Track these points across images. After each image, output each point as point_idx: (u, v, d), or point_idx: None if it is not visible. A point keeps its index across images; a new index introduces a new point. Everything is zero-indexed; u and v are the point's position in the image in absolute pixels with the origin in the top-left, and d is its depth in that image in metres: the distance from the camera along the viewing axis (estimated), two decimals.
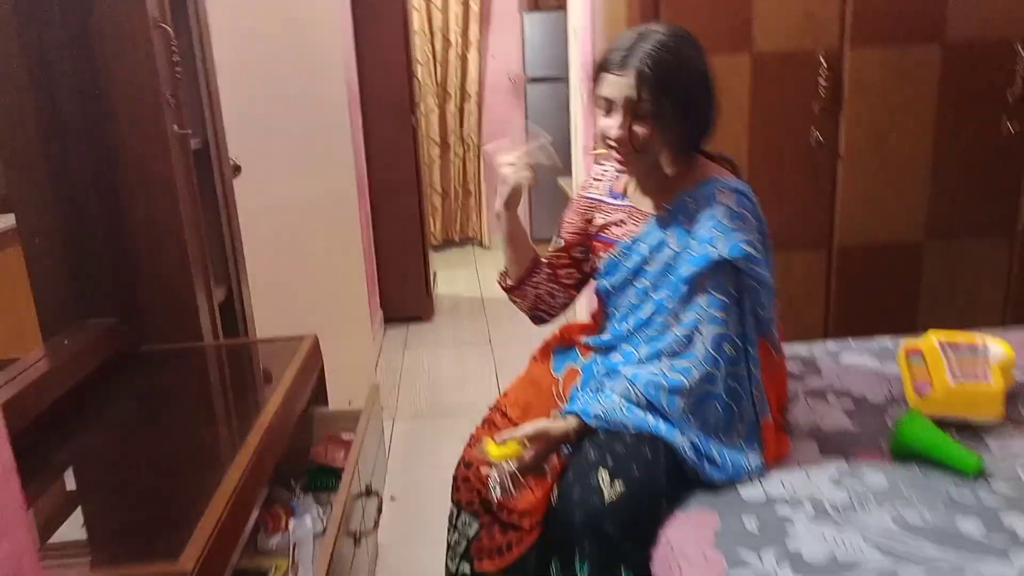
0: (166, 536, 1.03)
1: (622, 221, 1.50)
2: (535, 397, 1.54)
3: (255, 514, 1.23)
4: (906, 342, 1.75)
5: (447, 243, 5.77)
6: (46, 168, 1.53)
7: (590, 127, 3.18)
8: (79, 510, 1.18)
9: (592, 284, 1.62)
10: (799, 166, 2.33)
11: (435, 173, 5.54)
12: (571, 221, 1.61)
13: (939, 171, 2.34)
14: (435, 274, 4.57)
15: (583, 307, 3.21)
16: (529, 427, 1.33)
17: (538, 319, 1.66)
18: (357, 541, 1.37)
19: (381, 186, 3.94)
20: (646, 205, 1.48)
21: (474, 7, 5.28)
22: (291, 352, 1.64)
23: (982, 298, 2.47)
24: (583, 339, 1.60)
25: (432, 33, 5.31)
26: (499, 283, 1.64)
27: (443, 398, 3.26)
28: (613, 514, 1.24)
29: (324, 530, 1.42)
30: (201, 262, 1.70)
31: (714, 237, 1.34)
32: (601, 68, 1.37)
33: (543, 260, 1.62)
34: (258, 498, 1.23)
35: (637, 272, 1.47)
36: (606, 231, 1.53)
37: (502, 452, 1.29)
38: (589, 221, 1.57)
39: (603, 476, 1.27)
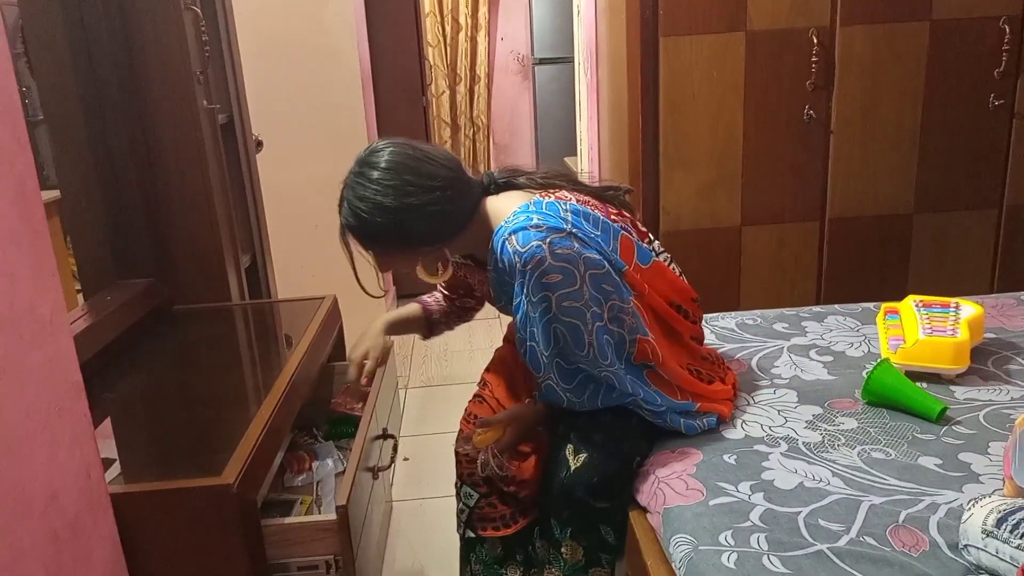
0: (209, 457, 1.18)
1: (480, 280, 1.55)
2: (514, 371, 1.63)
3: (284, 448, 1.37)
4: (885, 304, 1.87)
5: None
6: (87, 138, 1.66)
7: (594, 106, 3.29)
8: (130, 440, 1.33)
9: None
10: (792, 141, 2.43)
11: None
12: (452, 281, 1.67)
13: (927, 146, 2.44)
14: None
15: None
16: (504, 414, 1.47)
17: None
18: (375, 475, 1.51)
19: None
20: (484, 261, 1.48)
21: None
22: (312, 310, 1.78)
23: (969, 269, 2.58)
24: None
25: (442, 15, 5.42)
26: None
27: (452, 369, 3.41)
28: (579, 480, 1.37)
29: (344, 470, 1.56)
30: (229, 228, 1.84)
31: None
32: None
33: (435, 299, 1.72)
34: (286, 432, 1.37)
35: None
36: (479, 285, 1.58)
37: (484, 439, 1.43)
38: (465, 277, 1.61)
39: (568, 448, 1.40)
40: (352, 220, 1.36)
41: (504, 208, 1.37)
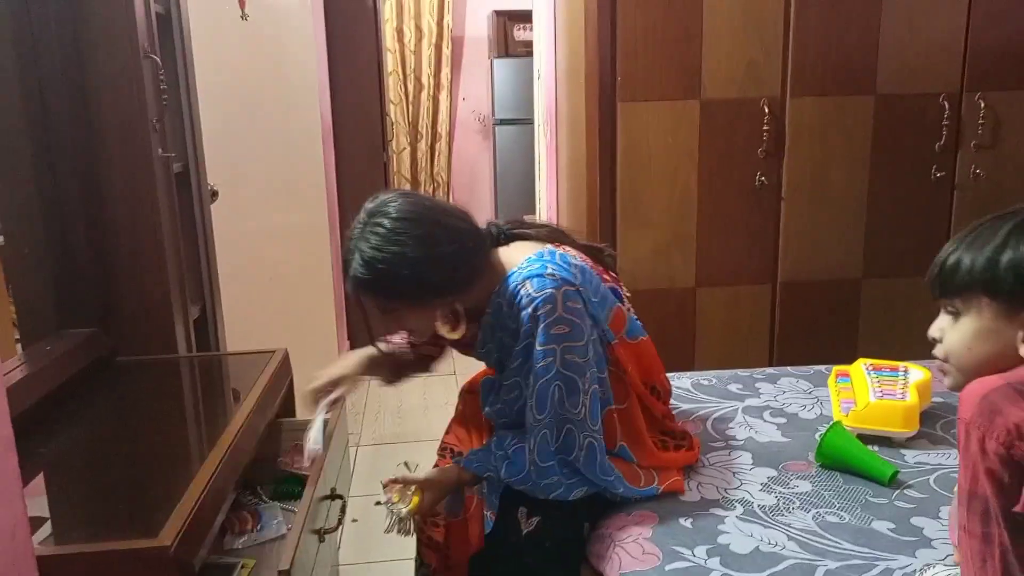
0: (146, 518, 1.12)
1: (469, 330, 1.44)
2: (477, 428, 1.60)
3: (226, 508, 1.31)
4: (836, 367, 1.90)
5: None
6: (34, 182, 1.62)
7: (552, 166, 3.34)
8: (63, 499, 1.26)
9: None
10: (746, 206, 2.49)
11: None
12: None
13: (874, 213, 2.52)
14: None
15: None
16: (422, 475, 1.40)
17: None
18: (321, 538, 1.46)
19: (353, 220, 4.04)
20: (470, 335, 1.45)
21: (446, 51, 5.48)
22: (262, 364, 1.73)
23: (917, 333, 2.58)
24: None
25: (405, 75, 5.49)
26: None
27: (406, 426, 3.34)
28: (531, 544, 1.34)
29: (288, 532, 1.49)
30: (179, 278, 1.79)
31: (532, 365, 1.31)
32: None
33: (396, 346, 1.63)
34: (229, 491, 1.31)
35: (500, 366, 1.46)
36: (456, 344, 1.50)
37: (399, 496, 1.37)
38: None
39: (521, 511, 1.37)
40: (366, 273, 1.27)
41: (515, 256, 1.37)
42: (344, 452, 1.84)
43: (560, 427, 1.32)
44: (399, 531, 1.36)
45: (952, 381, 1.06)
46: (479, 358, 1.50)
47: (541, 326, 1.27)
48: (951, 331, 1.04)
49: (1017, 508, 0.83)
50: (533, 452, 1.33)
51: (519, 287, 1.30)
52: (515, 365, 1.35)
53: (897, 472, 1.48)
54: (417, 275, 1.28)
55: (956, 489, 0.92)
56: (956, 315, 1.03)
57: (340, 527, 1.58)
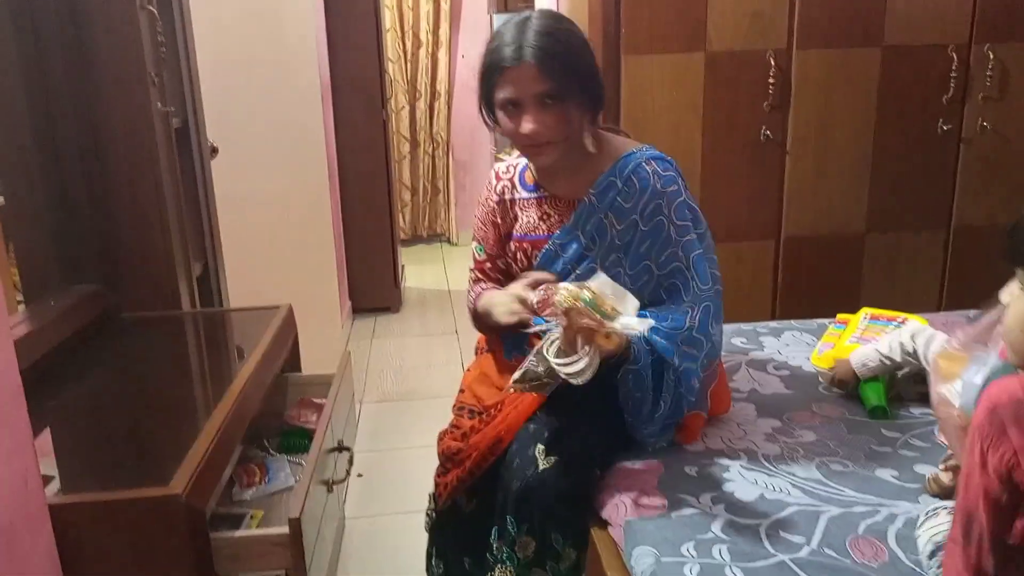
0: (156, 468, 1.12)
1: (547, 214, 1.46)
2: (495, 385, 1.55)
3: (234, 460, 1.32)
4: (840, 316, 1.90)
5: (415, 239, 5.86)
6: (33, 138, 1.60)
7: None
8: (72, 450, 1.26)
9: None
10: (749, 160, 2.47)
11: (404, 169, 5.64)
12: (488, 231, 1.54)
13: (879, 168, 2.50)
14: (403, 267, 4.66)
15: None
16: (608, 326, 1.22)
17: None
18: (330, 488, 1.47)
19: (352, 178, 4.03)
20: (566, 191, 1.44)
21: (444, 6, 5.39)
22: (267, 320, 1.73)
23: (919, 288, 2.64)
24: (532, 326, 1.38)
25: (403, 31, 5.41)
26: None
27: (409, 384, 3.35)
28: (546, 482, 1.33)
29: (295, 485, 1.51)
30: (180, 234, 1.79)
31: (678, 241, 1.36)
32: (493, 70, 1.33)
33: (480, 277, 1.57)
34: (236, 443, 1.32)
35: (579, 260, 1.43)
36: (532, 230, 1.48)
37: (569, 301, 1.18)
38: (509, 224, 1.51)
39: (539, 448, 1.36)
40: (549, 45, 1.28)
41: (625, 141, 1.46)
42: (350, 406, 1.85)
43: (718, 299, 1.41)
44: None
45: (1016, 359, 0.88)
46: (548, 254, 1.43)
47: (675, 203, 1.36)
48: (1015, 303, 0.87)
49: (1013, 540, 0.75)
50: (694, 320, 1.37)
51: (643, 164, 1.37)
52: (643, 248, 1.38)
53: (883, 410, 1.52)
54: (591, 59, 1.35)
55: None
56: None
57: (347, 479, 1.60)
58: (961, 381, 0.89)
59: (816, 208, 2.52)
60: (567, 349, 1.23)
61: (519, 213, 1.50)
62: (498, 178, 1.54)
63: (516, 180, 1.51)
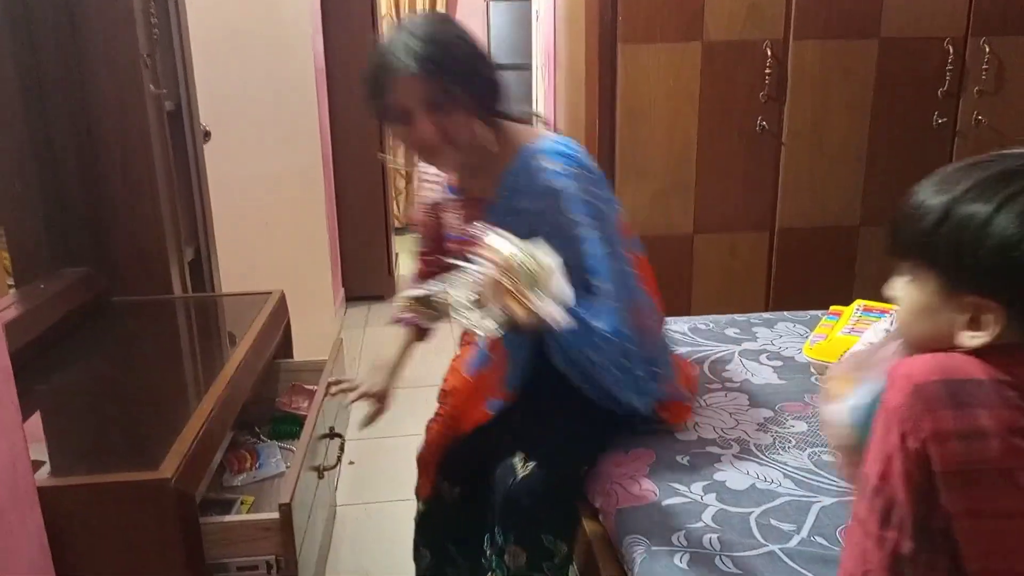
0: (146, 452, 1.12)
1: (470, 215, 1.42)
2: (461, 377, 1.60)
3: (224, 446, 1.32)
4: (834, 307, 1.90)
5: (410, 227, 5.84)
6: (24, 119, 1.58)
7: (551, 112, 3.29)
8: (61, 434, 1.26)
9: None
10: (745, 151, 2.46)
11: (399, 157, 5.61)
12: (424, 228, 1.56)
13: (874, 160, 2.50)
14: (397, 255, 4.65)
15: None
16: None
17: None
18: (320, 475, 1.47)
19: (346, 165, 4.01)
20: (480, 191, 1.42)
21: None
22: (259, 305, 1.72)
23: None
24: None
25: (399, 17, 5.38)
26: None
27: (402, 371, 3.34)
28: (526, 489, 1.33)
29: (286, 472, 1.50)
30: (172, 218, 1.77)
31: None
32: (377, 85, 1.28)
33: (422, 267, 1.59)
34: (227, 429, 1.31)
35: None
36: (460, 231, 1.46)
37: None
38: (439, 224, 1.51)
39: (518, 456, 1.36)
40: (425, 48, 1.22)
41: (525, 131, 1.37)
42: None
43: (629, 296, 1.33)
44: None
45: (912, 350, 0.88)
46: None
47: (570, 200, 1.28)
48: (906, 295, 0.87)
49: (935, 523, 0.73)
50: (603, 323, 1.28)
51: (533, 161, 1.31)
52: (552, 245, 1.27)
53: None
54: (473, 54, 1.29)
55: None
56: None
57: (339, 465, 1.59)
58: (850, 401, 0.88)
59: (811, 200, 2.52)
60: (481, 296, 1.16)
61: (447, 215, 1.49)
62: (427, 180, 1.53)
63: (444, 182, 1.49)
